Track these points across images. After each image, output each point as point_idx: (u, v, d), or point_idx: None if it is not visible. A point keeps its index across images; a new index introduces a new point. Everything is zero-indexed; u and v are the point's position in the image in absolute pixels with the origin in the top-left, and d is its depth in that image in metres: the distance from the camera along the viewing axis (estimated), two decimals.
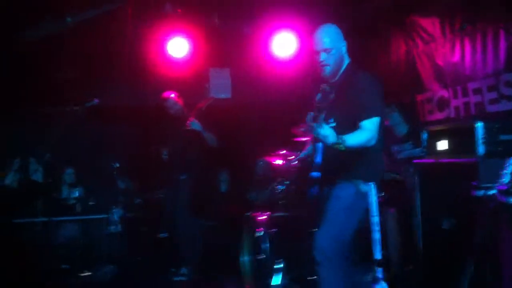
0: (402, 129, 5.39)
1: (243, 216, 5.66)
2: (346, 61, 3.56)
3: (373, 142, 3.26)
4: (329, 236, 3.31)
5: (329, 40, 3.44)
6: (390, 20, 6.68)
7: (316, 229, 3.41)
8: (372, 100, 3.35)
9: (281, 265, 4.82)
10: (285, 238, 5.08)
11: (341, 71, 3.52)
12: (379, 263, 3.14)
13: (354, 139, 3.21)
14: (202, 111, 6.02)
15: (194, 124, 5.84)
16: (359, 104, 3.31)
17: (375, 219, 3.15)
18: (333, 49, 3.43)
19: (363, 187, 3.29)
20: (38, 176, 6.84)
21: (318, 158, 3.35)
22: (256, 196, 6.51)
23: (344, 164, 3.37)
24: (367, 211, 3.21)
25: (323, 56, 3.44)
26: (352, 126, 3.30)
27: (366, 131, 3.26)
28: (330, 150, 3.17)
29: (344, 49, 3.52)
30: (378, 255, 3.14)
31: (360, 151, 3.30)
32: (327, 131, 3.10)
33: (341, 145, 3.12)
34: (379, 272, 3.14)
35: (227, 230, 6.74)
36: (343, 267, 3.33)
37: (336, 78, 3.52)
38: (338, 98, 3.32)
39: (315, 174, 3.15)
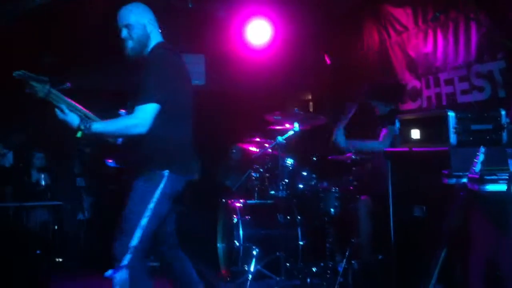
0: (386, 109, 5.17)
1: (217, 202, 5.68)
2: (154, 40, 3.38)
3: (139, 129, 3.08)
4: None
5: (129, 15, 3.32)
6: (364, 9, 6.73)
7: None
8: (152, 84, 3.13)
9: (255, 252, 4.86)
10: (259, 225, 5.13)
11: (147, 50, 3.36)
12: (131, 250, 3.06)
13: (106, 125, 3.15)
14: None
15: None
16: (140, 87, 3.15)
17: (151, 205, 3.12)
18: (134, 25, 3.31)
19: (154, 177, 3.18)
20: (6, 161, 6.72)
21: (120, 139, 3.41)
22: (232, 182, 6.52)
23: (139, 152, 3.25)
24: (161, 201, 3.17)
25: (124, 33, 3.32)
26: None
27: (131, 118, 3.13)
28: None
29: (149, 26, 3.36)
30: (134, 241, 3.07)
31: (142, 139, 3.13)
32: (67, 116, 3.09)
33: (84, 131, 3.05)
34: (126, 259, 3.06)
35: (201, 217, 6.74)
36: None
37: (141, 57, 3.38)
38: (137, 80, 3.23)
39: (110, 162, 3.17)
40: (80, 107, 3.27)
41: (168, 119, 3.18)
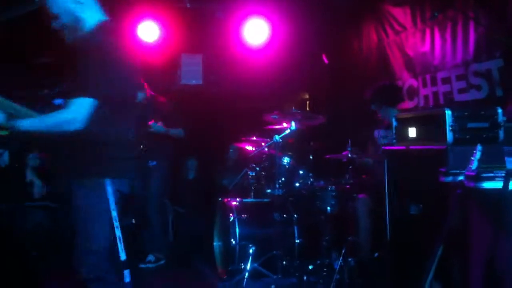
0: (389, 114, 5.02)
1: (214, 202, 5.67)
2: (91, 19, 3.02)
3: (74, 126, 2.75)
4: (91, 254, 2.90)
5: (52, 4, 3.02)
6: (363, 8, 6.74)
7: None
8: (89, 75, 2.81)
9: (251, 250, 4.85)
10: (255, 223, 5.12)
11: (85, 31, 3.01)
12: (124, 264, 2.87)
13: (36, 122, 2.83)
14: (165, 105, 5.94)
15: (155, 127, 5.68)
16: (75, 78, 2.84)
17: (113, 213, 2.86)
18: (59, 13, 3.00)
19: (95, 186, 2.88)
20: (1, 161, 6.69)
21: None
22: (228, 182, 6.52)
23: (69, 158, 2.94)
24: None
25: (54, 25, 3.03)
26: None
27: (65, 112, 2.79)
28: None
29: (77, 7, 3.00)
30: (122, 255, 2.87)
31: (76, 142, 2.83)
32: None
33: (10, 129, 2.75)
34: (127, 275, 2.87)
35: (198, 217, 6.74)
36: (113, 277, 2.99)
37: None
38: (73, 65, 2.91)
39: None
40: (15, 104, 2.92)
41: (108, 115, 2.88)
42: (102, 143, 2.91)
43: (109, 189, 2.89)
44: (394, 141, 4.79)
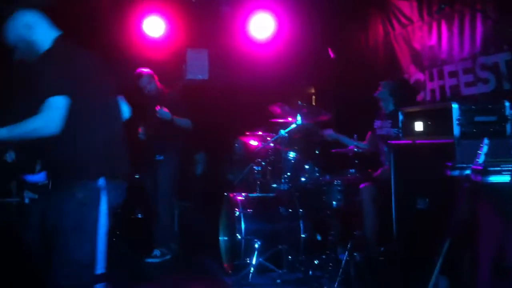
0: (389, 106, 5.17)
1: (220, 196, 5.66)
2: (46, 39, 3.00)
3: (50, 130, 2.73)
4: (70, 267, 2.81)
5: (8, 35, 3.00)
6: (370, 1, 6.70)
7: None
8: (52, 76, 2.78)
9: (257, 245, 4.84)
10: (260, 218, 5.11)
11: (42, 50, 2.99)
12: (99, 279, 2.82)
13: (12, 130, 2.75)
14: (172, 96, 5.93)
15: (161, 112, 5.65)
16: (39, 83, 2.81)
17: (103, 230, 2.80)
18: (16, 42, 2.99)
19: (82, 192, 2.80)
20: (8, 156, 6.68)
21: None
22: (234, 176, 6.51)
23: (50, 158, 2.92)
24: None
25: (16, 55, 3.03)
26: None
27: (38, 118, 2.72)
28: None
29: (28, 32, 2.98)
30: (100, 269, 2.82)
31: (56, 143, 2.78)
32: None
33: None
34: None
35: (204, 211, 6.73)
36: None
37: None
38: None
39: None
40: None
41: (86, 117, 2.87)
42: (85, 143, 2.86)
43: (103, 201, 2.82)
44: (390, 131, 4.85)
